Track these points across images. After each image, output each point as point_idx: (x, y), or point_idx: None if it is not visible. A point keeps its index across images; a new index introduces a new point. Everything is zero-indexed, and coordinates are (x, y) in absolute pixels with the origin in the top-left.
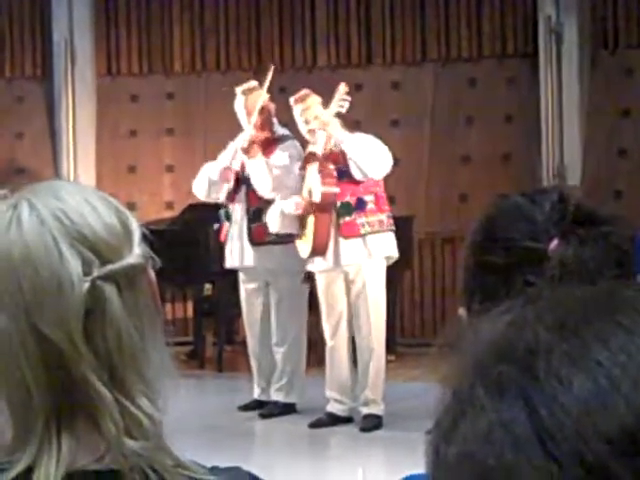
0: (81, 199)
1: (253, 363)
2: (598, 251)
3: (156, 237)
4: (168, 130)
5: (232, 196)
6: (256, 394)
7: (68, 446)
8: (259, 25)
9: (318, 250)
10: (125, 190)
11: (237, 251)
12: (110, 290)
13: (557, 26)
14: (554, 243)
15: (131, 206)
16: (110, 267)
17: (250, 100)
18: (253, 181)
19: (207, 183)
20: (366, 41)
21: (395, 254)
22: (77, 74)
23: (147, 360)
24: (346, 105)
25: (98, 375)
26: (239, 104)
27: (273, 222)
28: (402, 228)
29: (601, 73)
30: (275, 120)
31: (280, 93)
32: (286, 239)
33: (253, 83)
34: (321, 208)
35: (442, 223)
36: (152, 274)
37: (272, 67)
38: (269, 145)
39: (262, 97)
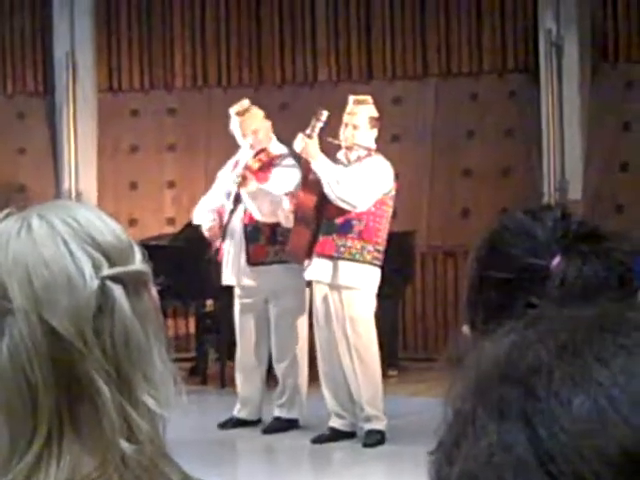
0: (87, 211)
1: (239, 378)
2: (600, 268)
3: (158, 253)
4: (169, 146)
5: (230, 215)
6: (236, 411)
7: (70, 451)
8: (260, 40)
9: (291, 256)
10: (126, 206)
11: (235, 270)
12: (118, 291)
13: (557, 40)
14: (556, 260)
15: (132, 222)
16: (119, 269)
17: (245, 121)
18: (247, 206)
19: (201, 220)
20: (367, 56)
21: (369, 289)
22: (78, 90)
23: (152, 363)
24: (318, 127)
25: (104, 372)
26: (234, 125)
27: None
28: (403, 242)
29: (602, 86)
30: (273, 137)
31: (281, 110)
32: (285, 258)
33: (245, 103)
34: (298, 218)
35: (444, 237)
36: (154, 291)
37: (324, 114)
38: (266, 166)
39: (253, 120)
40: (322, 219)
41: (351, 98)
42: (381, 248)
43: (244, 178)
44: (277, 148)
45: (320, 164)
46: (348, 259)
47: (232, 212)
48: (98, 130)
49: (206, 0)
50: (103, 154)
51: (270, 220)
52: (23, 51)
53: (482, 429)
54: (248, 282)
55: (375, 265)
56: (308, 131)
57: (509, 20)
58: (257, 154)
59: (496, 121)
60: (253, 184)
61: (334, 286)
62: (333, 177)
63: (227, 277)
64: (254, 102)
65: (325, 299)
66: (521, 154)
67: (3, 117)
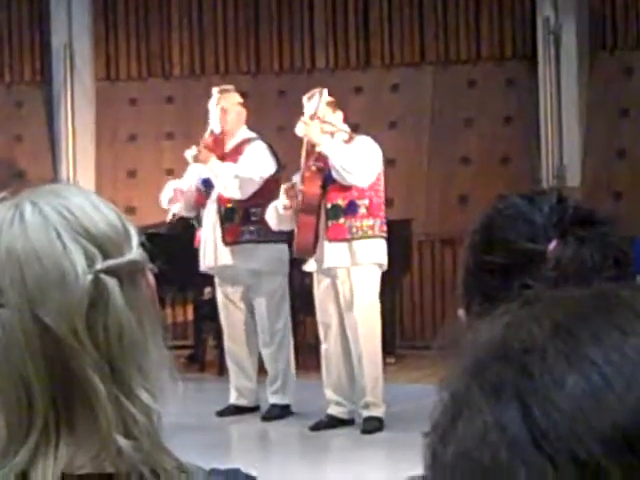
0: (83, 198)
1: (231, 367)
2: (596, 251)
3: (156, 241)
4: (168, 134)
5: (204, 201)
6: (232, 399)
7: (66, 444)
8: (258, 28)
9: (300, 250)
10: (125, 194)
11: (211, 251)
12: (112, 284)
13: (555, 27)
14: (553, 244)
15: (131, 210)
16: (113, 261)
17: (223, 101)
18: (215, 185)
19: (166, 202)
20: (365, 43)
21: (383, 261)
22: (76, 79)
23: (147, 356)
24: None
25: (98, 368)
26: (212, 103)
27: (271, 219)
28: (401, 230)
29: (600, 74)
30: (244, 126)
31: (279, 97)
32: (261, 238)
33: (229, 86)
34: (304, 209)
35: (442, 225)
36: (151, 278)
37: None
38: (236, 149)
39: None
40: (325, 204)
41: (304, 98)
42: (384, 220)
43: (198, 152)
44: (246, 133)
45: (326, 145)
46: (362, 237)
47: (206, 197)
48: (96, 119)
49: None
50: (101, 143)
51: (237, 197)
52: (21, 40)
53: (477, 409)
54: (225, 262)
55: (384, 238)
56: (310, 113)
57: (507, 7)
58: (221, 133)
59: (494, 108)
60: (212, 160)
61: (353, 269)
62: (341, 155)
63: (203, 261)
64: (252, 89)
65: (333, 283)
66: (519, 141)
67: (1, 106)
